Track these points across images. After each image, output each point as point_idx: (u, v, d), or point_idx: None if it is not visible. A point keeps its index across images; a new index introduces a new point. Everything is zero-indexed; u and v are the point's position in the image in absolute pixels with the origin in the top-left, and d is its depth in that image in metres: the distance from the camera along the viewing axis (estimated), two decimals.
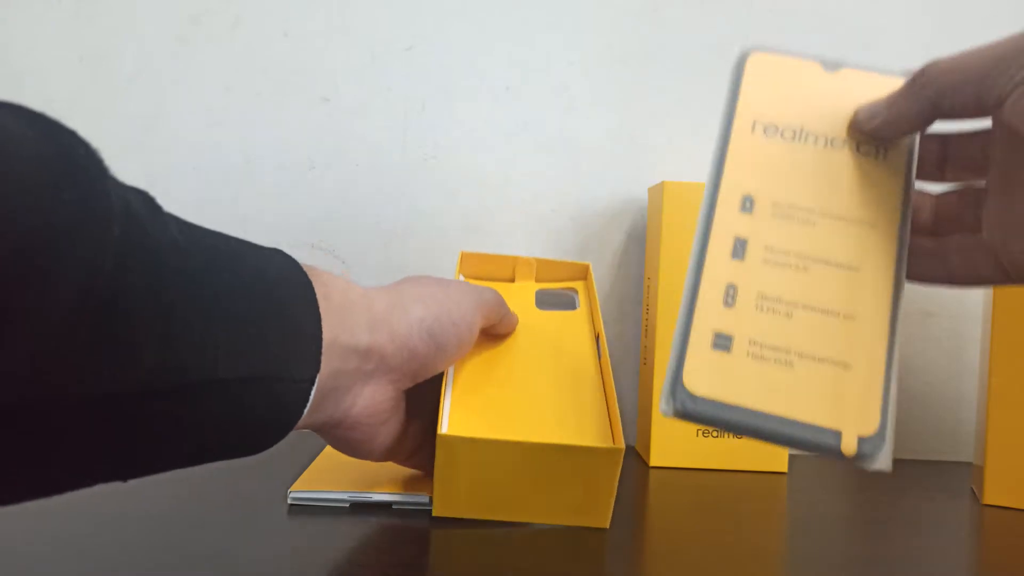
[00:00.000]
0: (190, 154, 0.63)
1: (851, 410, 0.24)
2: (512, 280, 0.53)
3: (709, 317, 0.25)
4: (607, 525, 0.38)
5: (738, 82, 0.29)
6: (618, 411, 0.38)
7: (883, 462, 0.24)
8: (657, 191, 0.55)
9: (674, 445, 0.54)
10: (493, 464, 0.37)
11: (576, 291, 0.51)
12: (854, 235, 0.27)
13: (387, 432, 0.36)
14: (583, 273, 0.53)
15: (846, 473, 0.55)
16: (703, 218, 0.27)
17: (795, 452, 0.60)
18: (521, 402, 0.40)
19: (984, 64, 0.25)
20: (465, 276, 0.53)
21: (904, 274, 0.27)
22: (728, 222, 0.26)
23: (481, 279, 0.53)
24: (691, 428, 0.54)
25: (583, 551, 0.36)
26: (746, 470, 0.54)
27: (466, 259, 0.53)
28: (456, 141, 0.63)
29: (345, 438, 0.35)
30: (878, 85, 0.29)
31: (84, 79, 0.64)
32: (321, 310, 0.30)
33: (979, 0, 0.62)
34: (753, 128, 0.28)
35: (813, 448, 0.24)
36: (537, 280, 0.53)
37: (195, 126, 0.63)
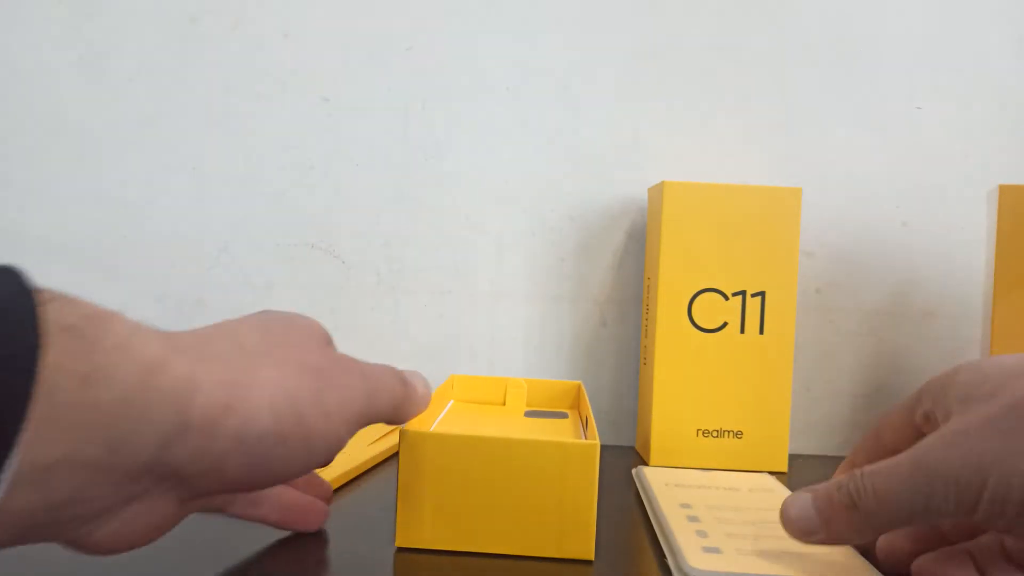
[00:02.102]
0: (190, 154, 0.63)
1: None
2: (503, 403, 0.54)
3: (691, 545, 0.34)
4: (591, 556, 0.35)
5: (651, 495, 0.43)
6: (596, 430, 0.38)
7: None
8: (657, 191, 0.55)
9: (674, 445, 0.54)
10: (460, 469, 0.34)
11: (567, 414, 0.52)
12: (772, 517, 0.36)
13: (146, 539, 0.25)
14: (575, 393, 0.54)
15: None
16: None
17: (795, 452, 0.60)
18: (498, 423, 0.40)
19: (918, 493, 0.26)
20: (456, 400, 0.54)
21: None
22: (679, 513, 0.40)
23: (472, 402, 0.54)
24: (691, 428, 0.54)
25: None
26: (746, 470, 0.53)
27: (456, 382, 0.54)
28: (456, 141, 0.63)
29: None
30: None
31: (84, 79, 0.64)
32: (43, 398, 0.17)
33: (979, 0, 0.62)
34: (681, 507, 0.42)
35: None
36: (528, 403, 0.54)
37: (195, 126, 0.63)
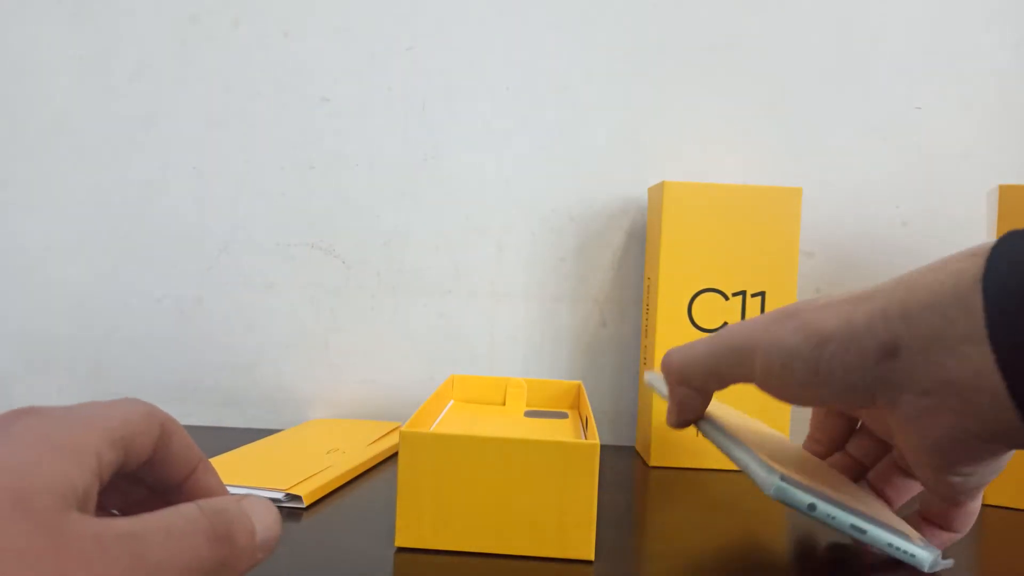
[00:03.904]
0: (190, 154, 0.64)
1: (894, 518, 0.34)
2: (503, 403, 0.54)
3: (764, 455, 0.34)
4: (591, 556, 0.35)
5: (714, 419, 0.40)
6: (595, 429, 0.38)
7: (946, 562, 0.33)
8: (657, 191, 0.55)
9: (674, 445, 0.54)
10: (460, 469, 0.35)
11: (567, 414, 0.52)
12: (810, 461, 0.39)
13: None
14: (575, 393, 0.54)
15: None
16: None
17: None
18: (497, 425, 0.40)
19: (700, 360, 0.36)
20: (456, 400, 0.54)
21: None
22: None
23: (472, 402, 0.54)
24: (691, 428, 0.54)
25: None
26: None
27: (456, 382, 0.54)
28: (456, 141, 0.63)
29: None
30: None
31: (84, 79, 0.64)
32: None
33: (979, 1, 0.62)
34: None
35: (895, 541, 0.32)
36: (528, 403, 0.54)
37: (195, 126, 0.63)
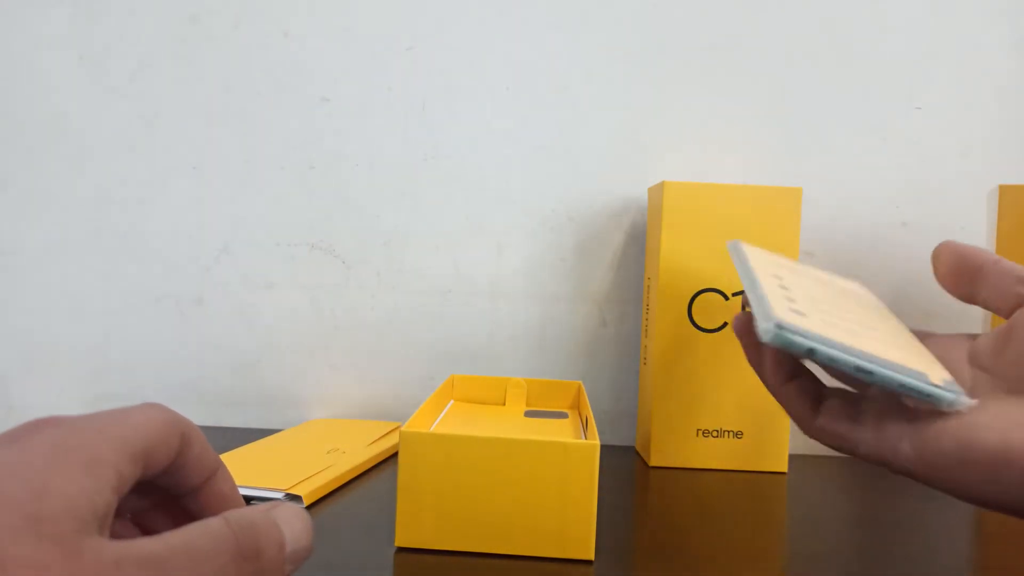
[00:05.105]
0: (190, 154, 0.63)
1: (923, 362, 0.29)
2: (503, 403, 0.54)
3: (780, 303, 0.31)
4: (591, 556, 0.35)
5: (745, 259, 0.37)
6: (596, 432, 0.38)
7: (968, 400, 0.28)
8: (657, 191, 0.55)
9: (674, 445, 0.54)
10: (460, 469, 0.35)
11: (567, 414, 0.52)
12: (862, 314, 0.34)
13: None
14: (575, 393, 0.54)
15: (846, 473, 0.55)
16: (748, 281, 0.33)
17: (795, 452, 0.60)
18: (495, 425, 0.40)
19: None
20: (456, 400, 0.54)
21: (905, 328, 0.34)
22: (772, 280, 0.34)
23: (472, 402, 0.54)
24: (691, 428, 0.54)
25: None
26: (746, 470, 0.53)
27: (456, 382, 0.54)
28: (456, 141, 0.63)
29: None
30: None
31: (84, 79, 0.64)
32: None
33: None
34: (773, 276, 0.36)
35: (906, 380, 0.28)
36: (528, 403, 0.54)
37: (195, 126, 0.63)
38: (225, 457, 0.47)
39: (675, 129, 0.62)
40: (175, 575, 0.18)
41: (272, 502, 0.23)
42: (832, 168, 0.62)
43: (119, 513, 0.24)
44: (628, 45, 0.62)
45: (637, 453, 0.58)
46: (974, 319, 0.60)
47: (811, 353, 0.29)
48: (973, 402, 0.28)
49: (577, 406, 0.53)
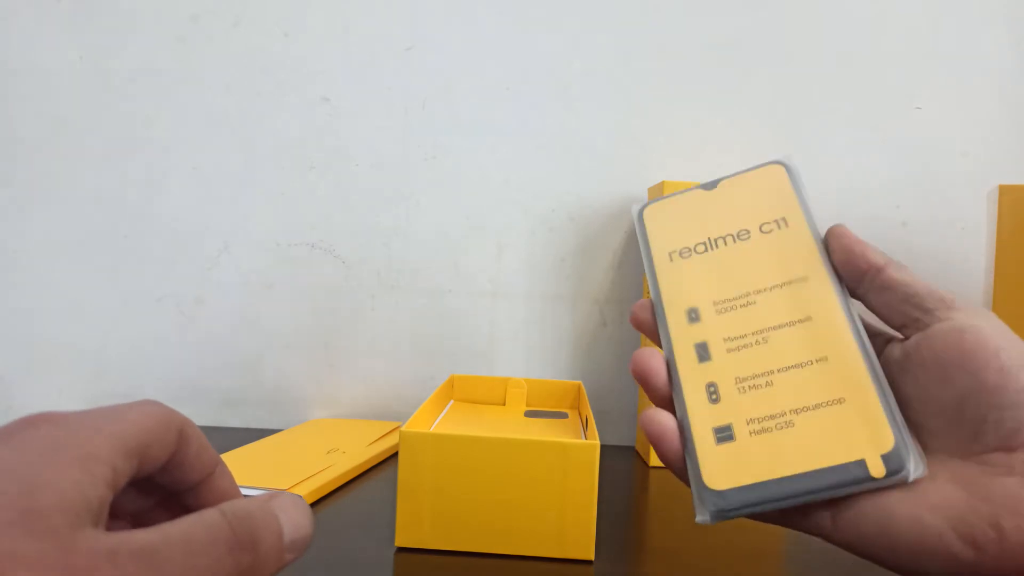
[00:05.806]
0: (190, 154, 0.63)
1: (863, 437, 0.25)
2: (503, 403, 0.54)
3: (703, 419, 0.27)
4: (591, 556, 0.35)
5: (644, 231, 0.33)
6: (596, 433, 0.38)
7: (916, 470, 0.24)
8: (657, 191, 0.55)
9: None
10: (460, 469, 0.35)
11: (567, 414, 0.52)
12: (791, 294, 0.29)
13: None
14: (575, 393, 0.54)
15: None
16: (664, 343, 0.29)
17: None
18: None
19: None
20: (456, 399, 0.54)
21: (850, 303, 0.28)
22: (684, 336, 0.29)
23: (472, 402, 0.54)
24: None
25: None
26: None
27: (456, 382, 0.54)
28: (456, 141, 0.63)
29: None
30: (753, 181, 0.35)
31: (84, 79, 0.64)
32: None
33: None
34: (670, 258, 0.31)
35: (845, 485, 0.25)
36: (528, 403, 0.54)
37: (195, 126, 0.63)
38: (225, 457, 0.47)
39: (675, 129, 0.62)
40: (169, 566, 0.18)
41: (270, 492, 0.23)
42: (832, 168, 0.62)
43: (120, 514, 0.24)
44: (628, 45, 0.62)
45: (637, 453, 0.58)
46: None
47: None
48: (919, 473, 0.24)
49: (577, 406, 0.53)
